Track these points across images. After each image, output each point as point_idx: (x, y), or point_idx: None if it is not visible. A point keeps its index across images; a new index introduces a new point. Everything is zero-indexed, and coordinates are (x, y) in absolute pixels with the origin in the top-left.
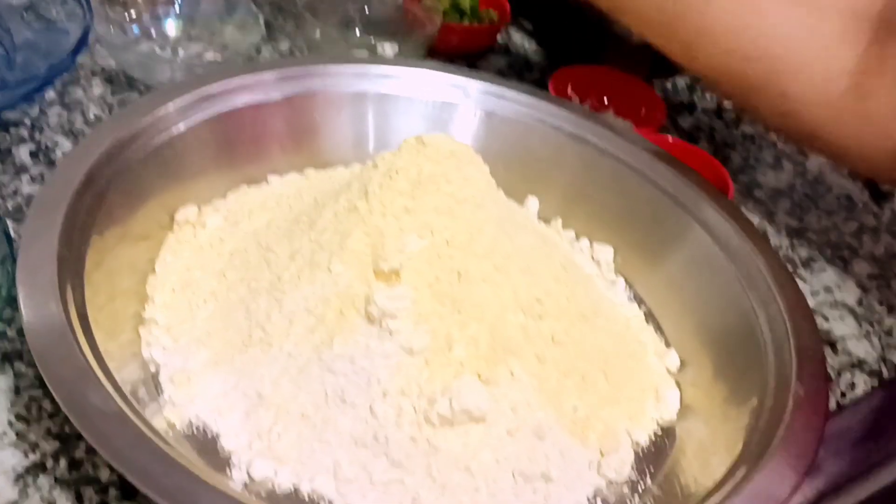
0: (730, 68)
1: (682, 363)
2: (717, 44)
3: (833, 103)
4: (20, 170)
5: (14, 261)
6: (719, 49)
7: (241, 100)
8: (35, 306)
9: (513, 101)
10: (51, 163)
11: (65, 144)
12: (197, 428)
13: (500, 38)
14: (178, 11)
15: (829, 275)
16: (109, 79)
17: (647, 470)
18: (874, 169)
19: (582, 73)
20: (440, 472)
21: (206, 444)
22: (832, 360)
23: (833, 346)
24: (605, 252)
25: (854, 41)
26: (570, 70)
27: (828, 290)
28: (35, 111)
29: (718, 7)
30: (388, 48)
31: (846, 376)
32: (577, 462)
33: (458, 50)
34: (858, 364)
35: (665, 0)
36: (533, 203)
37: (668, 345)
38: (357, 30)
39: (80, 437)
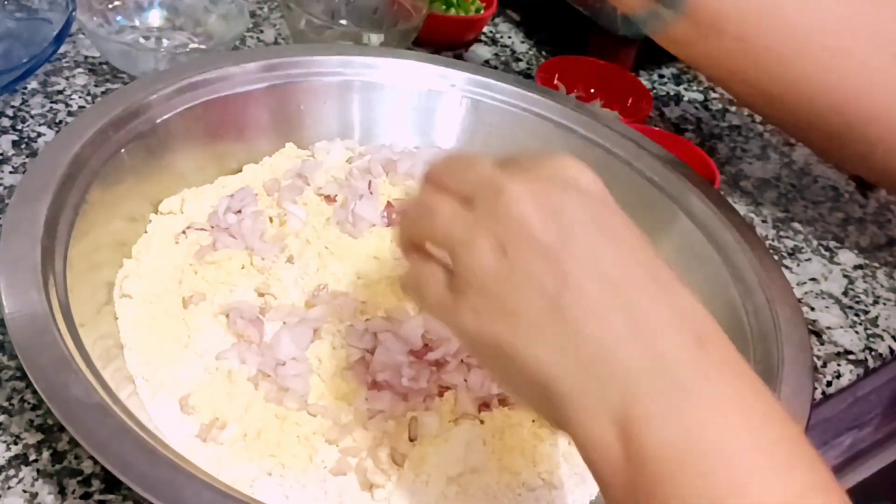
0: (812, 117)
1: None
2: (801, 96)
3: None
4: (2, 160)
5: None
6: (804, 99)
7: (225, 89)
8: (17, 297)
9: (499, 92)
10: (33, 153)
11: (48, 135)
12: None
13: (486, 28)
14: (161, 1)
15: (815, 265)
16: (93, 69)
17: None
18: None
19: (569, 63)
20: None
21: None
22: (818, 350)
23: (819, 335)
24: None
25: None
26: (556, 61)
27: (814, 280)
28: (17, 101)
29: (808, 61)
30: (374, 38)
31: (832, 366)
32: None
33: (445, 41)
34: (844, 354)
35: (757, 64)
36: None
37: None
38: (342, 19)
39: (62, 428)
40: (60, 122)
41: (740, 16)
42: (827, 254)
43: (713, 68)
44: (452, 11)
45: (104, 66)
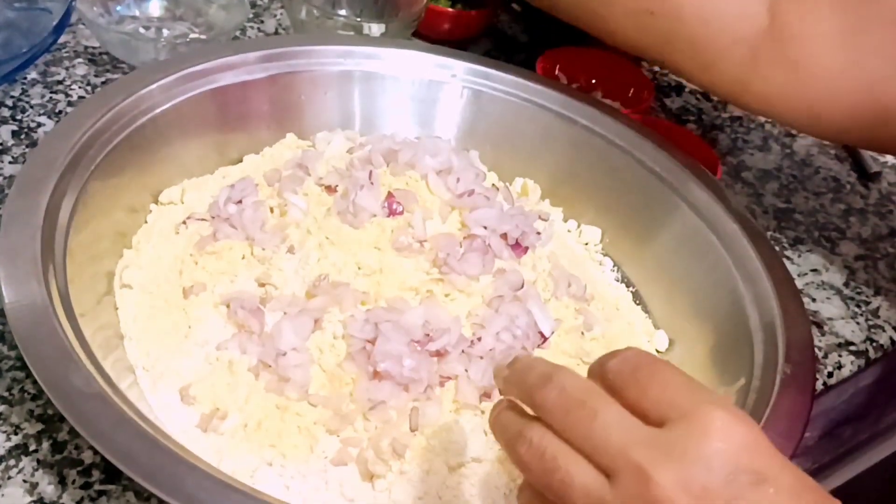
0: (638, 27)
1: (670, 343)
2: (623, 5)
3: (750, 47)
4: (1, 150)
5: None
6: (627, 10)
7: (226, 79)
8: (17, 287)
9: (500, 82)
10: (33, 143)
11: (47, 125)
12: None
13: None
14: None
15: (817, 256)
16: (93, 59)
17: None
18: (801, 126)
19: (570, 54)
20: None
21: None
22: (819, 341)
23: (820, 326)
24: (593, 233)
25: None
26: (558, 51)
27: (815, 271)
28: (17, 91)
29: None
30: (375, 28)
31: (833, 357)
32: None
33: (447, 36)
34: (845, 345)
35: None
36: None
37: (656, 326)
38: (343, 10)
39: (63, 418)
40: (60, 112)
41: None
42: (828, 245)
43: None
44: (459, 6)
45: (104, 56)
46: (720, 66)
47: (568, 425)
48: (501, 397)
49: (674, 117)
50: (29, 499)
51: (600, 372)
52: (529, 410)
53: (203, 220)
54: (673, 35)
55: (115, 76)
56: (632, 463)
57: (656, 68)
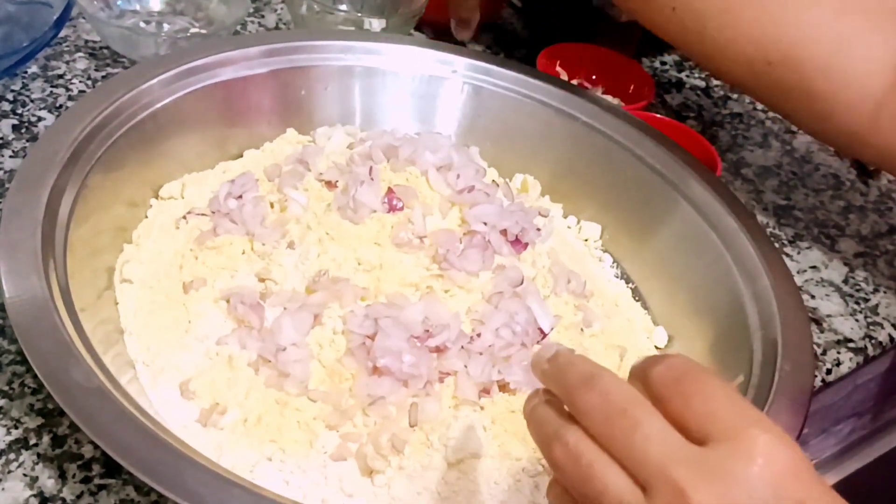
0: (752, 74)
1: (670, 339)
2: (739, 54)
3: (876, 103)
4: (2, 144)
5: None
6: (742, 59)
7: (226, 74)
8: (17, 282)
9: (500, 78)
10: (33, 137)
11: (48, 119)
12: None
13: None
14: None
15: (816, 253)
16: (93, 53)
17: None
18: None
19: (570, 50)
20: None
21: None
22: (818, 338)
23: (819, 323)
24: (593, 230)
25: (889, 32)
26: (558, 47)
27: (814, 268)
28: (17, 85)
29: (736, 18)
30: (375, 23)
31: (832, 354)
32: None
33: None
34: (844, 342)
35: (685, 18)
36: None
37: (655, 322)
38: (343, 5)
39: (63, 412)
40: (61, 106)
41: None
42: (828, 242)
43: (663, 34)
44: None
45: (105, 51)
46: (839, 119)
47: (607, 433)
48: (528, 390)
49: (674, 114)
50: (29, 493)
51: (643, 377)
52: (566, 407)
53: (203, 215)
54: (790, 86)
55: (116, 70)
56: (671, 480)
57: (657, 64)
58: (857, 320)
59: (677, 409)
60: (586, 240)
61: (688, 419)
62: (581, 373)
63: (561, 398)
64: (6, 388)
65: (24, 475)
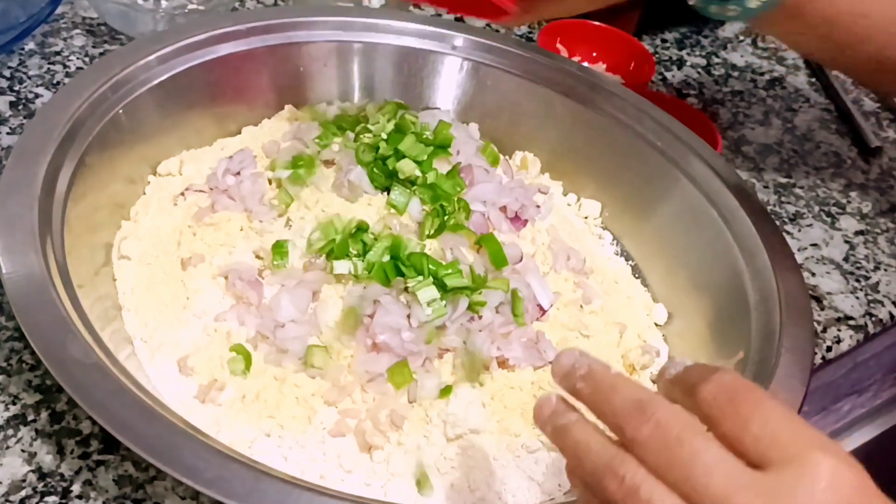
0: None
1: (669, 316)
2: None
3: None
4: None
5: None
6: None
7: (224, 51)
8: (14, 258)
9: (500, 55)
10: (30, 114)
11: (45, 96)
12: None
13: None
14: None
15: (817, 230)
16: (90, 30)
17: None
18: None
19: (571, 27)
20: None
21: None
22: (818, 315)
23: (819, 301)
24: (593, 207)
25: None
26: (559, 24)
27: (815, 245)
28: (14, 62)
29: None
30: (375, 0)
31: (832, 331)
32: None
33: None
34: (844, 319)
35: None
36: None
37: (655, 300)
38: None
39: (61, 389)
40: (58, 83)
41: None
42: (828, 220)
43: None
44: None
45: (102, 28)
46: None
47: (665, 464)
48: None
49: (675, 91)
50: (27, 468)
51: (688, 390)
52: (596, 421)
53: (201, 191)
54: None
55: (114, 47)
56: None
57: (658, 42)
58: (857, 298)
59: (733, 431)
60: (586, 217)
61: (746, 443)
62: (630, 399)
63: (608, 425)
64: (4, 364)
65: (23, 451)
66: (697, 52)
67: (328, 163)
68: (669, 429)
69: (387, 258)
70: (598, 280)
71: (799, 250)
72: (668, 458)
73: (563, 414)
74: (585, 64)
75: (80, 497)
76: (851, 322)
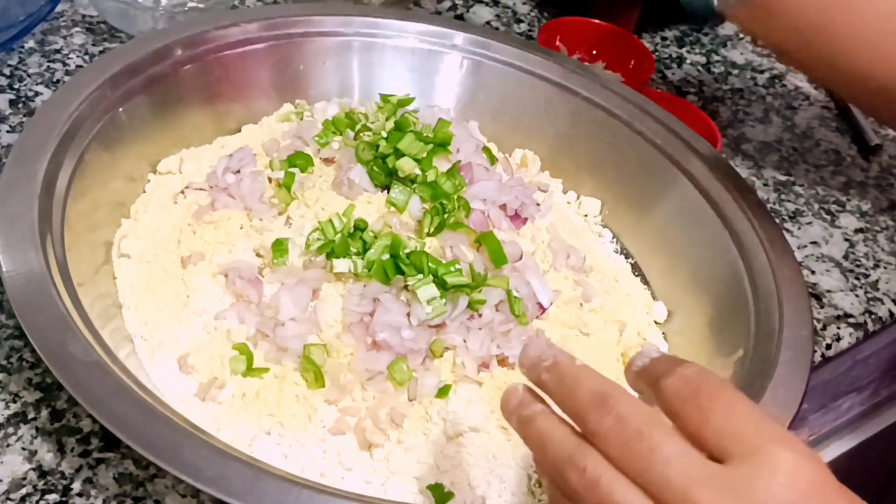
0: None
1: (669, 314)
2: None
3: None
4: None
5: None
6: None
7: (224, 49)
8: (14, 256)
9: (500, 53)
10: (30, 112)
11: (45, 94)
12: None
13: None
14: None
15: (816, 228)
16: (90, 28)
17: None
18: None
19: (571, 25)
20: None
21: None
22: (818, 313)
23: (819, 299)
24: (592, 205)
25: None
26: (558, 22)
27: (814, 243)
28: (14, 60)
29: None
30: None
31: (832, 329)
32: None
33: None
34: (844, 317)
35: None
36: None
37: (654, 298)
38: None
39: (61, 387)
40: (58, 81)
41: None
42: (828, 217)
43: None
44: None
45: (102, 25)
46: None
47: (625, 457)
48: (515, 384)
49: (675, 89)
50: (28, 466)
51: (652, 383)
52: (561, 413)
53: (201, 189)
54: None
55: (113, 45)
56: (694, 503)
57: (658, 39)
58: (857, 296)
59: (695, 424)
60: (586, 215)
61: (706, 436)
62: (592, 391)
63: (571, 417)
64: (4, 362)
65: (23, 449)
66: (697, 50)
67: (328, 161)
68: (630, 422)
69: (387, 256)
70: (597, 278)
71: (798, 248)
72: (628, 450)
73: (528, 405)
74: (585, 62)
75: (80, 495)
76: (851, 320)
